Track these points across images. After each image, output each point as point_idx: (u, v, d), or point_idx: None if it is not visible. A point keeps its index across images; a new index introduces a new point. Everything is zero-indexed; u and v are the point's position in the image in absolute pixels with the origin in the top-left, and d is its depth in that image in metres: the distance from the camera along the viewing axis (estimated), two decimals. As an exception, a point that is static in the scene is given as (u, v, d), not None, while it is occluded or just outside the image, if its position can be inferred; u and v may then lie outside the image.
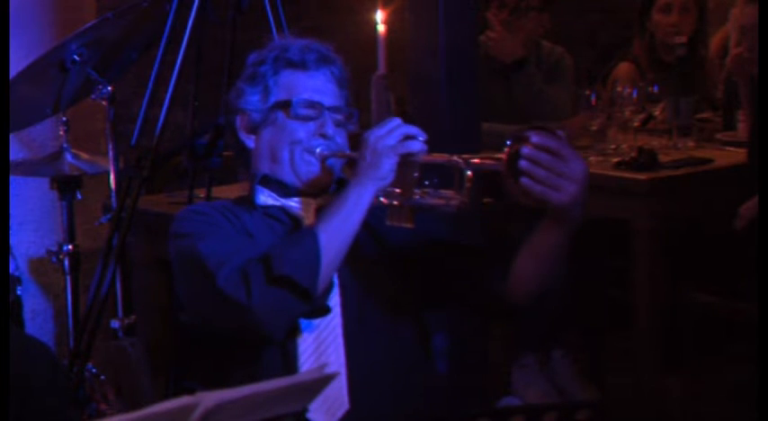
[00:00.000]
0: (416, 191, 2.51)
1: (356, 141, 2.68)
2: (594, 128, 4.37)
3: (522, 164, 2.33)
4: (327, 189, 2.67)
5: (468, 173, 2.43)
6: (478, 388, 3.51)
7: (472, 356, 3.48)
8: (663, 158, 4.20)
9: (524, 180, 2.33)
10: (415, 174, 2.50)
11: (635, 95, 4.41)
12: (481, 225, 2.77)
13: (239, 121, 2.71)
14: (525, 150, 2.33)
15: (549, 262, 2.54)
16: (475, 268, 2.65)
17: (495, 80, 4.69)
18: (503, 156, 2.36)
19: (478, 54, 3.66)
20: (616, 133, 4.40)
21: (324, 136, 2.63)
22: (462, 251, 2.69)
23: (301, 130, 2.64)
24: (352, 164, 2.59)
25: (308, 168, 2.64)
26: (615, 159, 4.22)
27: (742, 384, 3.83)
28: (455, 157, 2.45)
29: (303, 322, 2.54)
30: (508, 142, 2.36)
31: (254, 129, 2.69)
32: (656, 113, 4.59)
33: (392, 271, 2.65)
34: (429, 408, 2.60)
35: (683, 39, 4.79)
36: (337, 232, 2.47)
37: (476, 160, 2.43)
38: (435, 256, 2.67)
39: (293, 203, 2.67)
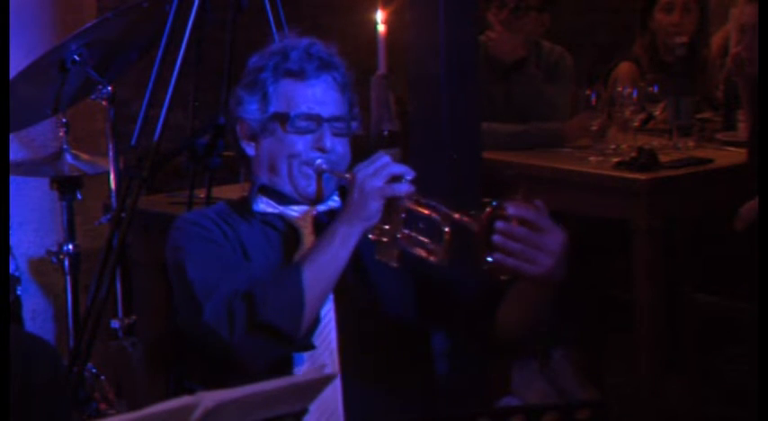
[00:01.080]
0: (403, 232, 2.50)
1: (359, 143, 2.68)
2: (594, 128, 4.36)
3: (496, 238, 2.32)
4: (326, 199, 2.67)
5: (446, 230, 2.42)
6: (478, 388, 3.51)
7: (472, 356, 3.47)
8: (663, 158, 4.20)
9: (496, 255, 2.32)
10: (402, 216, 2.49)
11: (635, 95, 4.41)
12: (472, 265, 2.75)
13: (239, 129, 2.70)
14: (500, 225, 2.32)
15: (532, 314, 2.54)
16: (462, 306, 2.65)
17: (494, 80, 4.68)
18: (482, 216, 2.34)
19: (479, 54, 3.65)
20: (616, 133, 4.40)
21: (322, 149, 2.62)
22: (450, 288, 2.66)
23: (299, 143, 2.63)
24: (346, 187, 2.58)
25: (307, 181, 2.64)
26: (615, 159, 4.22)
27: (742, 384, 3.83)
28: (435, 213, 2.43)
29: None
30: (493, 203, 2.35)
31: (253, 137, 2.68)
32: (657, 113, 4.58)
33: (384, 296, 2.65)
34: (428, 410, 2.60)
35: (684, 39, 4.78)
36: (323, 272, 2.48)
37: (456, 215, 2.40)
38: (424, 290, 2.67)
39: (291, 211, 2.67)
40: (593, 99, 4.35)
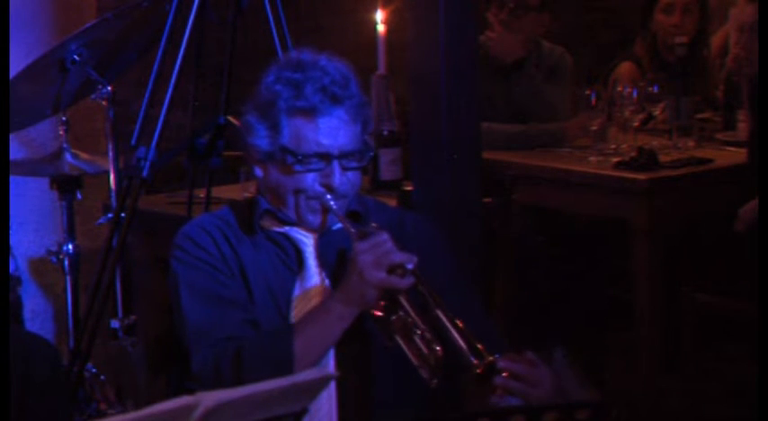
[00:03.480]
0: (400, 313, 2.48)
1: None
2: (594, 128, 4.37)
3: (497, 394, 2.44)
4: (333, 226, 2.65)
5: (438, 349, 2.43)
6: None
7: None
8: (663, 158, 4.20)
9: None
10: (401, 314, 2.48)
11: (635, 95, 4.41)
12: None
13: (249, 153, 2.65)
14: (499, 380, 2.43)
15: None
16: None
17: (494, 80, 4.68)
18: (482, 363, 2.42)
19: (478, 54, 3.65)
20: (616, 133, 4.41)
21: (329, 187, 2.58)
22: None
23: (308, 179, 2.58)
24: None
25: (314, 216, 2.61)
26: (615, 159, 4.22)
27: (742, 384, 3.83)
28: (427, 333, 2.44)
29: None
30: (496, 356, 2.44)
31: (262, 162, 2.63)
32: (657, 113, 4.58)
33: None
34: (428, 412, 2.60)
35: (684, 39, 4.78)
36: (314, 344, 2.49)
37: (460, 342, 2.43)
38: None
39: (296, 233, 2.64)
40: (594, 99, 4.35)
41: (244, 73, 3.21)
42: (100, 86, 3.71)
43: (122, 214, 3.50)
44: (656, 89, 4.52)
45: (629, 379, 4.26)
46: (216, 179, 3.67)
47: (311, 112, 2.56)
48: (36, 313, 4.58)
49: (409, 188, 3.53)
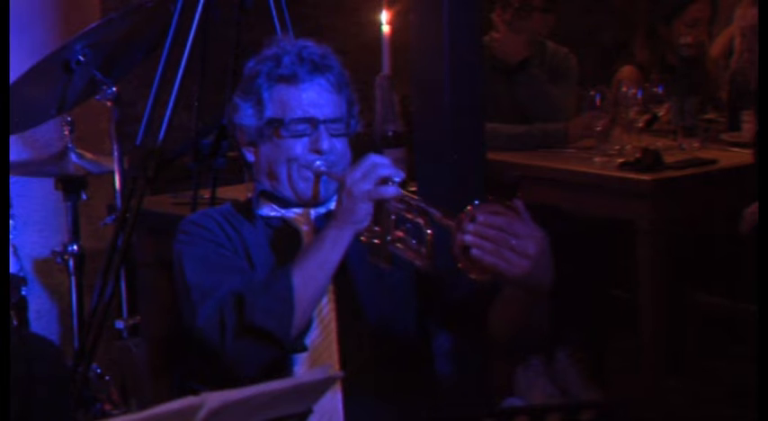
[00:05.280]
0: (394, 233, 2.50)
1: (363, 141, 2.68)
2: (599, 128, 4.37)
3: (467, 238, 2.31)
4: (328, 200, 2.68)
5: (429, 232, 2.43)
6: (482, 388, 3.51)
7: (476, 356, 3.48)
8: (667, 159, 4.20)
9: (474, 251, 2.31)
10: (392, 217, 2.50)
11: (639, 96, 4.41)
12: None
13: (238, 135, 2.71)
14: (469, 226, 2.31)
15: (521, 316, 2.53)
16: (460, 305, 2.65)
17: (498, 81, 4.68)
18: (460, 216, 2.34)
19: (482, 54, 3.66)
20: (620, 134, 4.40)
21: (319, 151, 2.63)
22: (444, 284, 2.66)
23: (297, 147, 2.63)
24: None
25: (306, 184, 2.65)
26: (619, 160, 4.22)
27: (745, 385, 3.83)
28: (417, 217, 2.44)
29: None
30: (475, 202, 2.34)
31: (252, 143, 2.70)
32: (661, 114, 4.58)
33: (388, 292, 2.65)
34: (430, 412, 2.60)
35: (689, 40, 4.78)
36: (313, 275, 2.49)
37: (437, 215, 2.40)
38: (427, 287, 2.67)
39: (293, 214, 2.68)
40: (598, 100, 4.35)
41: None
42: (104, 87, 3.72)
43: (127, 215, 3.51)
44: (660, 90, 4.52)
45: (633, 380, 4.26)
46: (220, 179, 3.68)
47: (292, 79, 2.64)
48: (41, 313, 4.58)
49: (413, 188, 3.54)
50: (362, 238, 2.52)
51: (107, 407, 3.81)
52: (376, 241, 2.51)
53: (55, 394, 2.55)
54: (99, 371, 3.87)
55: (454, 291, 2.64)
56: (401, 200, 2.48)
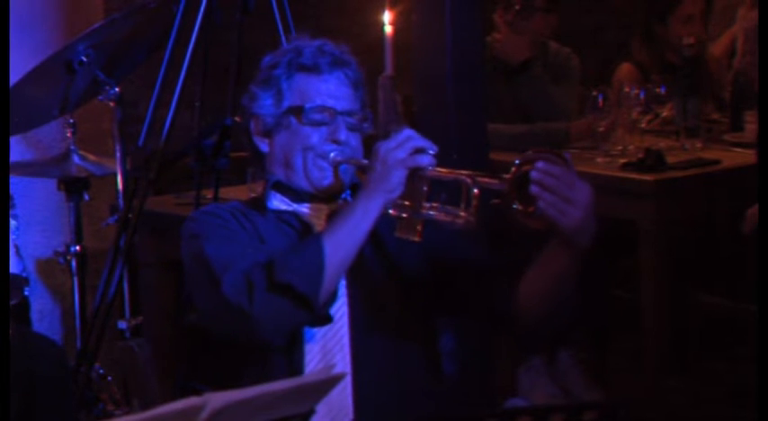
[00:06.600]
0: (425, 204, 2.51)
1: (366, 143, 2.68)
2: (601, 129, 4.36)
3: (533, 189, 2.36)
4: (340, 194, 2.67)
5: (475, 191, 2.45)
6: (485, 389, 3.51)
7: (479, 357, 3.48)
8: (670, 159, 4.20)
9: (539, 203, 2.36)
10: (425, 188, 2.51)
11: (642, 96, 4.41)
12: (490, 242, 2.76)
13: (253, 125, 2.71)
14: (534, 174, 2.36)
15: (556, 286, 2.54)
16: (481, 287, 2.65)
17: (501, 81, 4.68)
18: (508, 176, 2.38)
19: (485, 55, 3.66)
20: (623, 134, 4.40)
21: (336, 141, 2.63)
22: (469, 269, 2.67)
23: (314, 136, 2.64)
24: (366, 169, 2.59)
25: (321, 174, 2.64)
26: (622, 160, 4.22)
27: (747, 385, 3.83)
28: (463, 174, 2.47)
29: (307, 332, 2.55)
30: (516, 162, 2.39)
31: (267, 134, 2.69)
32: (664, 114, 4.58)
33: (400, 283, 2.65)
34: (435, 412, 2.60)
35: (691, 40, 4.78)
36: (343, 242, 2.48)
37: (483, 178, 2.45)
38: (442, 273, 2.67)
39: (305, 209, 2.67)
40: (601, 100, 4.35)
41: (251, 74, 3.22)
42: (107, 87, 3.72)
43: (129, 215, 3.51)
44: (663, 90, 4.51)
45: (635, 380, 4.26)
46: (223, 180, 3.68)
47: (313, 69, 2.66)
48: (43, 314, 4.59)
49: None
50: (391, 211, 2.52)
51: (109, 407, 3.81)
52: (405, 215, 2.51)
53: (57, 394, 2.55)
54: (101, 371, 3.87)
55: (477, 269, 2.65)
56: (434, 170, 2.50)
